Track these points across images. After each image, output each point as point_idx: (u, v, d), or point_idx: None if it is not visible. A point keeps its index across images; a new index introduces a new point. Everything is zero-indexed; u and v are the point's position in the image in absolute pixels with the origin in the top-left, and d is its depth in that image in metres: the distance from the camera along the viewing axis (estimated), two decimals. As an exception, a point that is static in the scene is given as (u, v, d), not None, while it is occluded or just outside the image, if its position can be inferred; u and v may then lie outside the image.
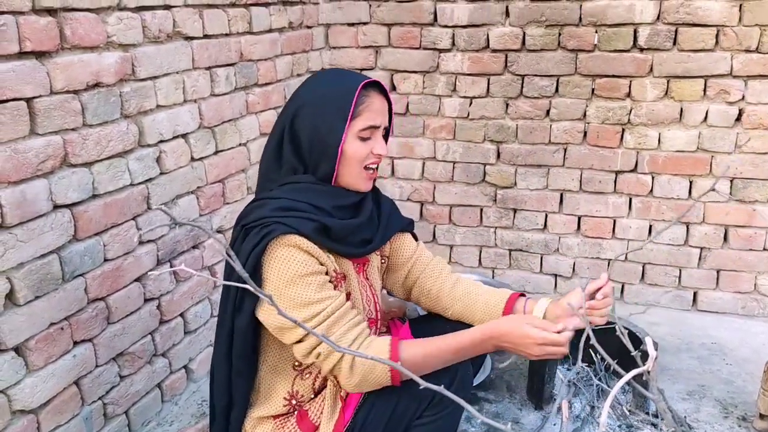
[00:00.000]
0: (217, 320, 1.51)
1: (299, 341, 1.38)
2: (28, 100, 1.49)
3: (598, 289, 1.50)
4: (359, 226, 1.51)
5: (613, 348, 1.31)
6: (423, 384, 0.71)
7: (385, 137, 1.54)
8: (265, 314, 1.39)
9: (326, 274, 1.43)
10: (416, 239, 1.74)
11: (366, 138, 1.46)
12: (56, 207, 1.59)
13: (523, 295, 1.64)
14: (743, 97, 2.50)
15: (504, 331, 1.41)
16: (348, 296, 1.51)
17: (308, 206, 1.41)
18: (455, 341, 1.43)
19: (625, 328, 1.38)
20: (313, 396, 1.51)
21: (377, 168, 1.52)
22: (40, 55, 1.51)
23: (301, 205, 1.41)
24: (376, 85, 1.47)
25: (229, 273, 1.45)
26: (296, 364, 1.49)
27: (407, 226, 1.71)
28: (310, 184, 1.46)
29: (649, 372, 0.71)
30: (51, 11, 1.53)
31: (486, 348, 1.44)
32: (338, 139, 1.42)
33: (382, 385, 1.39)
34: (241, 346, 1.44)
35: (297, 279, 1.35)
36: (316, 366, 1.44)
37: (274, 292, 1.36)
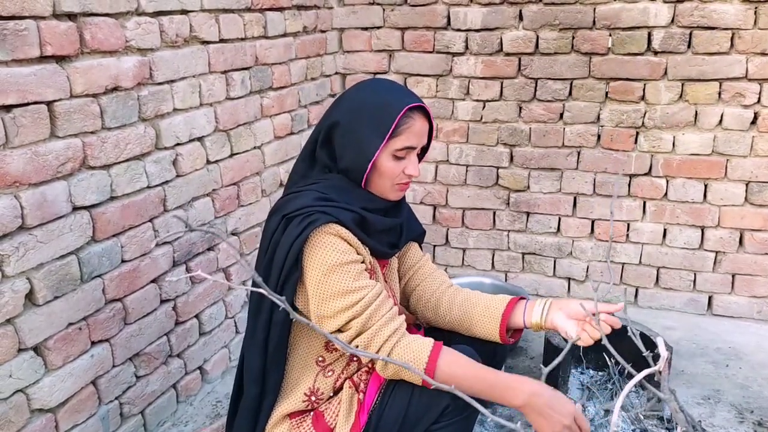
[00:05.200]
0: (250, 312, 1.52)
1: (339, 330, 1.40)
2: (49, 104, 1.51)
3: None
4: (391, 226, 1.54)
5: (626, 352, 1.31)
6: (435, 385, 0.71)
7: (421, 155, 1.56)
8: (305, 303, 1.43)
9: (363, 263, 1.45)
10: (421, 249, 1.76)
11: (401, 157, 1.47)
12: (75, 209, 1.61)
13: (523, 298, 1.63)
14: (759, 100, 2.49)
15: (546, 389, 1.38)
16: None
17: (342, 202, 1.44)
18: (494, 373, 1.42)
19: (639, 332, 1.38)
20: (332, 395, 1.52)
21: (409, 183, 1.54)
22: (60, 59, 1.54)
23: (335, 198, 1.44)
24: (421, 108, 1.48)
25: (268, 272, 1.44)
26: (319, 359, 1.51)
27: (420, 236, 1.73)
28: (343, 184, 1.48)
29: (660, 372, 0.71)
30: (71, 16, 1.56)
31: (518, 393, 1.38)
32: (372, 153, 1.43)
33: (414, 381, 1.41)
34: (277, 337, 1.46)
35: (336, 268, 1.37)
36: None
37: (314, 281, 1.38)
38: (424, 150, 1.56)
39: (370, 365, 1.52)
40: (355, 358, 1.53)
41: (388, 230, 1.54)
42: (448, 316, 1.66)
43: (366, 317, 1.38)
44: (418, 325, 1.75)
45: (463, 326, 1.64)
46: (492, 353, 1.64)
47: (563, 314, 1.54)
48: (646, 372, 0.67)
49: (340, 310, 1.37)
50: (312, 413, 1.51)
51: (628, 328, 0.93)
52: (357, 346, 1.39)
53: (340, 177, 1.49)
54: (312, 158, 1.53)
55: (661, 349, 0.73)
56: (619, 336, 1.48)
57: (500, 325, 1.59)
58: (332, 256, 1.37)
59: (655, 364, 0.85)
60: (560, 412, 1.34)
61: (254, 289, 0.72)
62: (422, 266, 1.72)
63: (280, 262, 1.39)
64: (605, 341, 0.88)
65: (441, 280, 1.70)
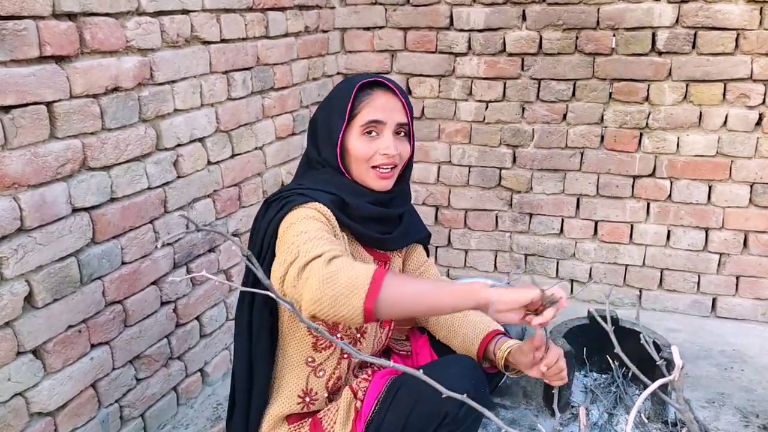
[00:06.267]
0: (238, 304, 1.53)
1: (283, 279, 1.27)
2: (48, 104, 1.50)
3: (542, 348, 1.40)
4: (378, 215, 1.50)
5: (632, 354, 1.29)
6: (446, 393, 0.70)
7: (410, 138, 1.52)
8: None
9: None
10: (428, 254, 1.74)
11: (372, 136, 1.45)
12: (75, 210, 1.60)
13: (501, 333, 1.58)
14: (764, 101, 2.47)
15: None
16: None
17: (325, 193, 1.43)
18: (437, 283, 1.33)
19: (652, 340, 1.36)
20: (327, 395, 1.51)
21: (392, 169, 1.48)
22: (60, 59, 1.52)
23: (319, 189, 1.43)
24: (383, 84, 1.47)
25: (250, 250, 1.42)
26: (309, 359, 1.49)
27: (426, 238, 1.71)
28: (330, 177, 1.48)
29: (674, 381, 0.69)
30: (71, 16, 1.54)
31: (465, 290, 1.22)
32: (337, 134, 1.45)
33: (354, 288, 1.15)
34: (260, 319, 1.46)
35: (302, 220, 1.32)
36: (296, 291, 1.22)
37: (282, 236, 1.32)
38: (409, 132, 1.50)
39: (369, 372, 1.51)
40: (345, 356, 1.50)
41: (377, 219, 1.50)
42: (437, 334, 1.66)
43: (308, 238, 1.24)
44: (422, 328, 1.73)
45: (449, 345, 1.64)
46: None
47: (524, 365, 1.47)
48: (660, 382, 0.66)
49: (292, 243, 1.26)
50: (310, 419, 1.49)
51: (641, 335, 0.91)
52: (296, 257, 1.21)
53: (329, 170, 1.50)
54: (307, 158, 1.57)
55: (677, 359, 0.72)
56: (622, 339, 1.46)
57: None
58: (303, 213, 1.33)
59: (666, 371, 0.83)
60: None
61: (247, 288, 0.70)
62: (424, 272, 1.69)
63: (259, 242, 1.40)
64: (618, 350, 0.86)
65: None
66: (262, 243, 1.39)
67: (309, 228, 1.28)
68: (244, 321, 1.49)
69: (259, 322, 1.46)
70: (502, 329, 1.59)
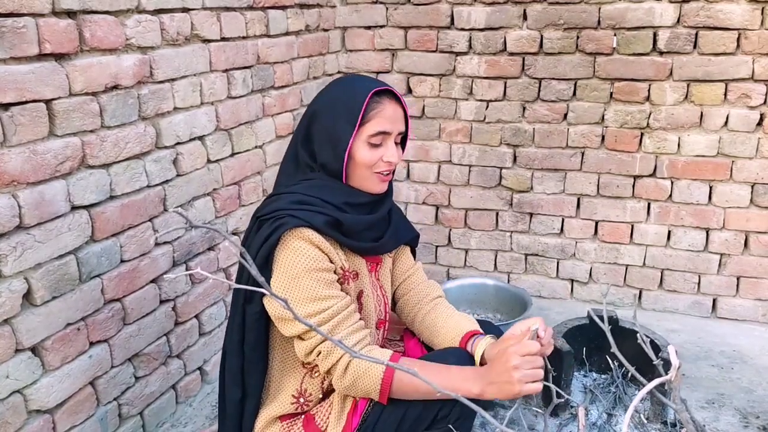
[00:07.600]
0: (229, 313, 1.52)
1: (300, 338, 1.39)
2: (47, 102, 1.50)
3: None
4: (371, 223, 1.52)
5: (630, 355, 1.29)
6: (440, 390, 0.70)
7: (404, 144, 1.54)
8: (268, 302, 1.40)
9: (334, 272, 1.43)
10: (414, 256, 1.74)
11: (377, 144, 1.46)
12: (74, 208, 1.60)
13: (479, 333, 1.57)
14: (765, 102, 2.47)
15: (484, 367, 1.39)
16: (360, 294, 1.51)
17: (320, 201, 1.42)
18: (444, 379, 1.38)
19: (646, 336, 1.35)
20: (321, 396, 1.51)
21: (391, 173, 1.51)
22: (59, 57, 1.52)
23: (313, 200, 1.42)
24: (390, 92, 1.47)
25: (242, 267, 1.44)
26: (306, 361, 1.49)
27: (414, 239, 1.71)
28: (325, 181, 1.47)
29: (671, 381, 0.69)
30: (70, 13, 1.54)
31: (469, 387, 1.35)
32: (346, 142, 1.43)
33: (369, 393, 1.38)
34: (253, 337, 1.45)
35: (306, 273, 1.36)
36: (314, 363, 1.45)
37: (283, 284, 1.36)
38: (405, 139, 1.54)
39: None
40: None
41: (369, 227, 1.52)
42: (420, 337, 1.67)
43: (332, 326, 1.36)
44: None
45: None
46: None
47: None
48: (656, 381, 0.65)
49: (306, 315, 1.35)
50: (303, 416, 1.49)
51: (638, 334, 0.91)
52: (319, 353, 1.38)
53: (322, 175, 1.48)
54: (296, 158, 1.53)
55: (673, 358, 0.72)
56: (622, 339, 1.46)
57: None
58: (303, 262, 1.36)
59: (664, 371, 0.83)
60: (503, 370, 1.32)
61: (251, 288, 0.70)
62: (411, 275, 1.70)
63: (252, 258, 1.38)
64: (615, 350, 0.86)
65: (424, 294, 1.68)
66: (254, 260, 1.38)
67: (319, 292, 1.36)
68: (236, 339, 1.47)
69: (253, 340, 1.46)
70: (480, 330, 1.58)
